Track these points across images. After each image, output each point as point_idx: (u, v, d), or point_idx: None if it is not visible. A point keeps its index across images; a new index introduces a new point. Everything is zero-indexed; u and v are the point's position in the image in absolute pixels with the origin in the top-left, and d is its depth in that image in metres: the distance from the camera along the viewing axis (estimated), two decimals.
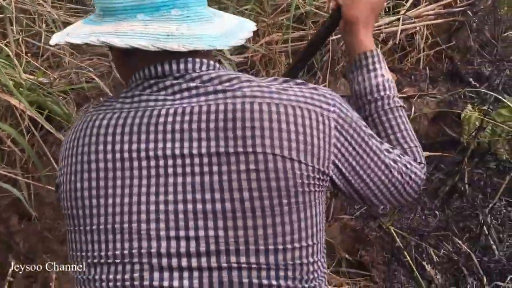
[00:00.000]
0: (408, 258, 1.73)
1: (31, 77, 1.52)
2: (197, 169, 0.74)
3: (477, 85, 2.32)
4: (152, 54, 0.76)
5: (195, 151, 0.75)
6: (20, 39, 1.48)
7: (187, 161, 0.75)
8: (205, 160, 0.74)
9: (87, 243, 0.78)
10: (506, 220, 1.91)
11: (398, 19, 1.94)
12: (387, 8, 2.10)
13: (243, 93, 0.76)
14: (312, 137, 0.76)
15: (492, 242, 1.81)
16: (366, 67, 0.95)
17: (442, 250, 1.79)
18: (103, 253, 0.76)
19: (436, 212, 1.90)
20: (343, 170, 0.79)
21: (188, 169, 0.75)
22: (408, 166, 0.86)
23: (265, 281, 0.73)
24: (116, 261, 0.75)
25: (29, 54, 1.61)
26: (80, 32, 0.81)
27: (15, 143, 1.52)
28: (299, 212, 0.75)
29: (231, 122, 0.74)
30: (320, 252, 0.80)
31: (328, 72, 2.05)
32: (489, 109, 2.06)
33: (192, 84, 0.78)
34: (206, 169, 0.74)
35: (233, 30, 0.84)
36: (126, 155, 0.76)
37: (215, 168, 0.73)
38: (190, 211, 0.73)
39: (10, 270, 1.44)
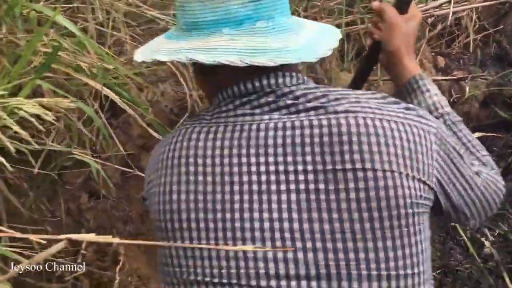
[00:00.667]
0: (464, 237, 1.74)
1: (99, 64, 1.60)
2: (302, 186, 0.72)
3: None
4: (239, 68, 0.74)
5: (300, 167, 0.73)
6: (90, 27, 1.56)
7: (291, 177, 0.73)
8: (311, 177, 0.72)
9: (182, 258, 0.76)
10: None
11: (449, 1, 1.95)
12: None
13: (345, 108, 0.74)
14: (417, 153, 0.75)
15: None
16: (419, 89, 0.98)
17: (498, 230, 1.79)
18: (199, 270, 0.74)
19: None
20: (443, 184, 0.79)
21: (292, 186, 0.73)
22: (490, 176, 0.88)
23: None
24: (214, 280, 0.73)
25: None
26: (166, 48, 0.81)
27: (84, 125, 1.60)
28: (409, 237, 0.72)
29: (337, 136, 0.72)
30: (428, 283, 0.76)
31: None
32: None
33: (288, 101, 0.77)
34: (312, 186, 0.72)
35: (317, 39, 0.82)
36: (226, 169, 0.75)
37: (321, 186, 0.72)
38: (297, 230, 0.71)
39: (83, 245, 1.53)
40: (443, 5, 2.00)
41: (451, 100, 2.06)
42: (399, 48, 1.00)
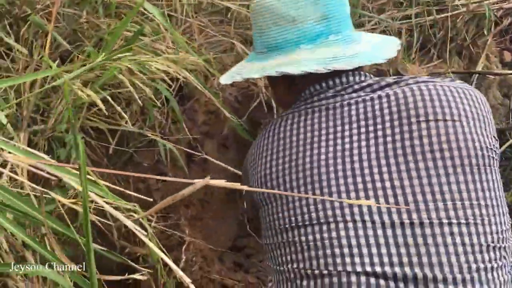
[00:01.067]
0: None
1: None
2: (389, 138, 0.81)
3: None
4: (317, 74, 0.86)
5: (386, 124, 0.82)
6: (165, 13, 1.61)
7: (379, 133, 0.82)
8: (392, 131, 0.81)
9: (297, 209, 0.83)
10: None
11: None
12: None
13: (415, 81, 0.85)
14: (483, 111, 0.83)
15: None
16: None
17: None
18: (313, 215, 0.81)
19: None
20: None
21: (380, 140, 0.82)
22: None
23: (466, 238, 0.75)
24: (321, 220, 0.80)
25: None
26: (253, 68, 0.94)
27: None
28: (480, 174, 0.78)
29: (411, 97, 0.82)
30: (506, 215, 0.82)
31: (443, 50, 2.04)
32: None
33: (369, 81, 0.88)
34: (391, 138, 0.81)
35: (381, 45, 0.94)
36: (316, 138, 0.86)
37: (401, 136, 0.80)
38: (394, 171, 0.79)
39: (153, 223, 1.58)
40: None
41: None
42: None
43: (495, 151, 0.81)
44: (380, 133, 0.82)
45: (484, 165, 0.78)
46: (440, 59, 2.03)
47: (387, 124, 0.82)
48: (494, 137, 0.82)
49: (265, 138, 0.93)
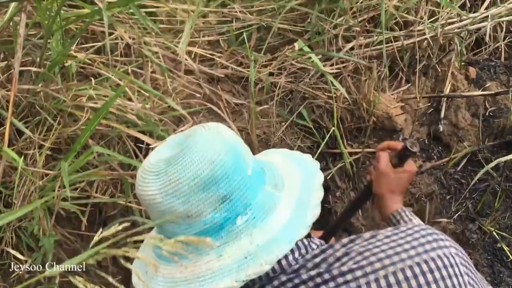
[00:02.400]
0: (511, 258, 1.73)
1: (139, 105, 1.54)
2: None
3: None
4: None
5: None
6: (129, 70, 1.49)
7: None
8: None
9: None
10: None
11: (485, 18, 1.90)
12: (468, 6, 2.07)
13: (373, 269, 0.75)
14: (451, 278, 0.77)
15: None
16: (402, 219, 1.12)
17: None
18: None
19: None
20: None
21: None
22: None
23: None
24: None
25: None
26: (158, 279, 0.77)
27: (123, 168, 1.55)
28: None
29: None
30: None
31: (410, 73, 2.03)
32: None
33: (304, 277, 0.75)
34: None
35: (303, 198, 0.79)
36: None
37: None
38: None
39: None
40: (477, 18, 1.95)
41: (487, 113, 2.04)
42: (383, 194, 1.16)
43: None
44: None
45: None
46: (409, 83, 2.02)
47: None
48: None
49: None
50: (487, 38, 1.98)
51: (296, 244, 0.77)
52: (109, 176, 1.23)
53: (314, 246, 0.79)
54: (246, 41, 1.76)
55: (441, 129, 1.97)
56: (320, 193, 0.80)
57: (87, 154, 1.11)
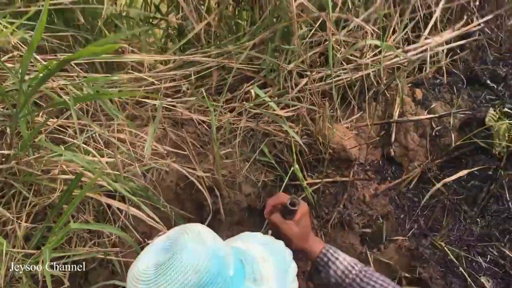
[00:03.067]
0: (462, 269, 1.91)
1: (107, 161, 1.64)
2: None
3: (495, 86, 2.47)
4: None
5: None
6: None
7: None
8: None
9: None
10: None
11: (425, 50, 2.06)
12: (408, 35, 2.22)
13: None
14: None
15: None
16: (330, 260, 1.24)
17: (489, 256, 1.97)
18: None
19: (478, 219, 2.06)
20: None
21: None
22: None
23: None
24: None
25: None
26: None
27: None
28: None
29: None
30: None
31: (361, 100, 2.18)
32: (511, 110, 2.21)
33: None
34: None
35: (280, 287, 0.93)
36: None
37: None
38: None
39: None
40: (419, 48, 2.11)
41: (433, 133, 2.21)
42: (301, 247, 1.27)
43: None
44: None
45: None
46: (361, 111, 2.16)
47: None
48: None
49: None
50: (427, 67, 2.14)
51: None
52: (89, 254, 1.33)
53: None
54: (204, 90, 1.87)
55: (392, 153, 2.13)
56: (295, 285, 0.95)
57: (64, 232, 1.21)
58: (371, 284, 1.18)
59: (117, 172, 1.66)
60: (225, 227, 1.98)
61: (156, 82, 1.95)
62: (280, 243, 1.06)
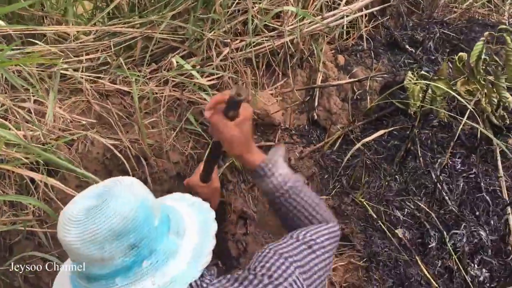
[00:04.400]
0: (381, 223, 2.04)
1: (25, 133, 1.63)
2: None
3: (413, 51, 2.60)
4: None
5: None
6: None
7: None
8: None
9: None
10: (452, 171, 2.24)
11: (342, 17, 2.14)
12: (328, 2, 2.29)
13: None
14: None
15: (444, 194, 2.15)
16: (265, 175, 1.22)
17: (406, 209, 2.11)
18: None
19: (396, 176, 2.20)
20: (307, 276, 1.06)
21: None
22: (327, 234, 1.18)
23: None
24: None
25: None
26: None
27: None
28: None
29: None
30: None
31: (286, 67, 2.24)
32: (427, 73, 2.34)
33: None
34: None
35: (199, 242, 1.00)
36: None
37: None
38: None
39: None
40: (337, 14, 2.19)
41: (355, 97, 2.31)
42: (240, 152, 1.22)
43: None
44: None
45: None
46: (286, 77, 2.23)
47: None
48: None
49: None
50: (344, 32, 2.22)
51: (190, 284, 0.96)
52: None
53: (204, 285, 0.99)
54: (128, 62, 1.87)
55: (316, 117, 2.22)
56: (213, 242, 1.01)
57: None
58: (297, 201, 1.22)
59: (40, 145, 1.66)
60: (155, 196, 2.01)
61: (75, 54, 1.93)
62: (207, 204, 1.12)
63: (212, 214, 1.08)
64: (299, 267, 1.05)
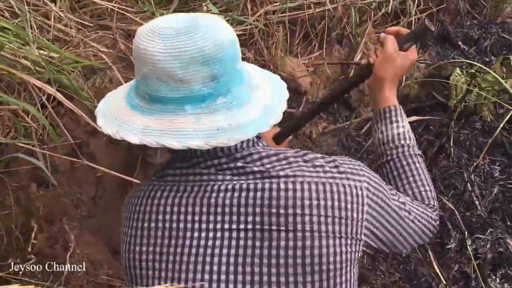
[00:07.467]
0: None
1: (43, 52, 1.60)
2: (241, 242, 0.86)
3: (466, 48, 2.41)
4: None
5: (242, 226, 0.86)
6: (29, 18, 1.55)
7: (234, 234, 0.86)
8: (249, 234, 0.85)
9: None
10: (488, 178, 2.04)
11: None
12: None
13: (285, 173, 0.87)
14: (347, 210, 0.86)
15: (474, 198, 1.95)
16: (390, 118, 1.10)
17: None
18: None
19: None
20: (375, 231, 0.91)
21: (233, 242, 0.86)
22: (422, 214, 0.98)
23: None
24: None
25: (37, 30, 1.68)
26: (132, 124, 0.86)
27: (29, 115, 1.61)
28: (335, 278, 0.86)
29: (275, 200, 0.85)
30: None
31: (324, 40, 2.13)
32: (476, 72, 2.16)
33: (238, 164, 0.89)
34: (249, 243, 0.85)
35: (270, 104, 0.90)
36: (181, 225, 0.88)
37: (257, 243, 0.85)
38: (232, 281, 0.85)
39: (33, 233, 1.57)
40: None
41: None
42: (385, 78, 1.13)
43: (352, 248, 0.87)
44: (242, 234, 0.85)
45: (341, 268, 0.85)
46: (321, 50, 2.12)
47: (249, 226, 0.85)
48: (351, 237, 0.86)
49: (136, 205, 0.94)
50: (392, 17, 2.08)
51: (259, 139, 0.92)
52: None
53: (260, 145, 0.92)
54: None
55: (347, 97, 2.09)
56: (284, 106, 0.92)
57: None
58: (410, 163, 1.06)
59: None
60: None
61: None
62: (277, 76, 1.03)
63: (284, 84, 0.99)
64: (372, 208, 0.90)
